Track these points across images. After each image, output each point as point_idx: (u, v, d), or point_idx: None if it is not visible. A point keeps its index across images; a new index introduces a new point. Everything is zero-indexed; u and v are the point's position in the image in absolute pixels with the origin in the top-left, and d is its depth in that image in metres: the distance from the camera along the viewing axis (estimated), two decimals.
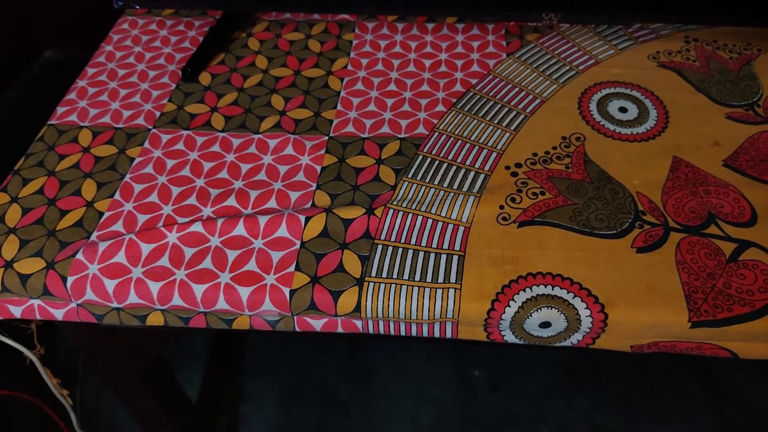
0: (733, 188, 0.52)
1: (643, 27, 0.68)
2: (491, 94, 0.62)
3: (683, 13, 0.66)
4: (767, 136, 0.57)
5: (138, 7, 0.73)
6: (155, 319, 0.49)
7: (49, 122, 0.61)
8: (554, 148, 0.56)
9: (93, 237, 0.51)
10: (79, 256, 0.49)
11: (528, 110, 0.60)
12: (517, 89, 0.62)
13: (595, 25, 0.69)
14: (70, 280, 0.48)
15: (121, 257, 0.49)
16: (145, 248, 0.49)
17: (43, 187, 0.55)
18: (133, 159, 0.57)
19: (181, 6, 0.73)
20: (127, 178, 0.55)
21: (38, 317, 0.51)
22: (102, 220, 0.52)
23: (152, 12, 0.75)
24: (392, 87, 0.63)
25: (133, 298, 0.48)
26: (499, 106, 0.60)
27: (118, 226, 0.51)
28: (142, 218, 0.52)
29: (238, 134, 0.59)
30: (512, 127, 0.58)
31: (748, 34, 0.67)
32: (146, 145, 0.58)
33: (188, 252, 0.49)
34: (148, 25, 0.73)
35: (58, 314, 0.50)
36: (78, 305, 0.49)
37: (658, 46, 0.66)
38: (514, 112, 0.60)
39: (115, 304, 0.49)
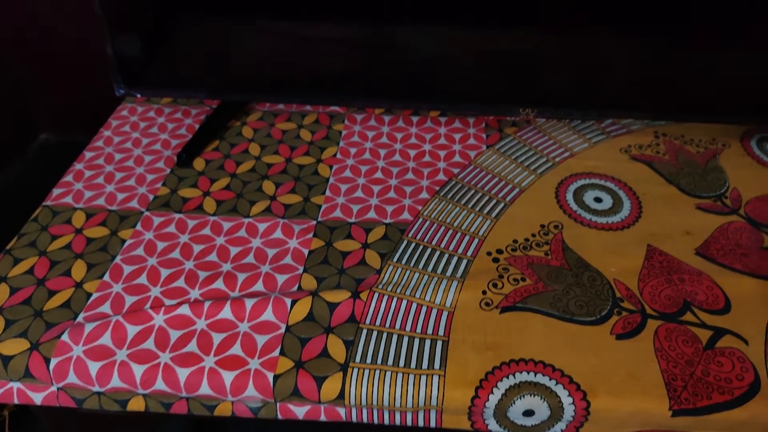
0: (706, 276, 0.54)
1: (615, 122, 0.73)
2: (473, 183, 0.65)
3: (651, 110, 0.70)
4: (735, 226, 0.59)
5: (138, 96, 0.77)
6: (136, 405, 0.49)
7: (44, 203, 0.63)
8: (533, 235, 0.58)
9: (80, 318, 0.51)
10: (65, 337, 0.49)
11: (508, 199, 0.63)
12: (497, 179, 0.65)
13: (569, 120, 0.73)
14: (53, 362, 0.48)
15: (106, 339, 0.49)
16: (131, 330, 0.49)
17: (33, 268, 0.56)
18: (124, 241, 0.58)
19: (180, 95, 0.77)
20: (117, 260, 0.56)
21: (16, 401, 0.50)
22: (90, 301, 0.52)
23: (151, 100, 0.78)
24: (379, 175, 0.66)
25: (115, 381, 0.47)
26: (480, 194, 0.63)
27: (106, 308, 0.52)
28: (129, 300, 0.52)
29: (229, 218, 0.61)
30: (493, 215, 0.61)
31: (713, 129, 0.72)
32: (138, 227, 0.60)
33: (174, 334, 0.49)
34: (146, 112, 0.76)
35: (37, 398, 0.49)
36: (59, 389, 0.49)
37: (629, 140, 0.70)
38: (495, 201, 0.62)
39: (96, 388, 0.48)
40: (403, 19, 0.67)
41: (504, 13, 0.66)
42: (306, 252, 0.57)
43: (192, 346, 0.49)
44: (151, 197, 0.64)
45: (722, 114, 0.70)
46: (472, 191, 0.64)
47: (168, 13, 0.70)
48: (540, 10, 0.65)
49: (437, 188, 0.64)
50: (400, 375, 0.47)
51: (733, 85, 0.68)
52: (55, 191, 0.64)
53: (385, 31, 0.68)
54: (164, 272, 0.55)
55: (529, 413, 0.47)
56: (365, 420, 0.48)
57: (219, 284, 0.54)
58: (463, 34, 0.68)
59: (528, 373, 0.47)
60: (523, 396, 0.46)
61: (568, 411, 0.46)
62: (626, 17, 0.65)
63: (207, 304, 0.51)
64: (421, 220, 0.60)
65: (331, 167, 0.67)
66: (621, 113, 0.72)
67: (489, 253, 0.57)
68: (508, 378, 0.47)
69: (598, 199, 0.62)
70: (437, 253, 0.57)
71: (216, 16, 0.69)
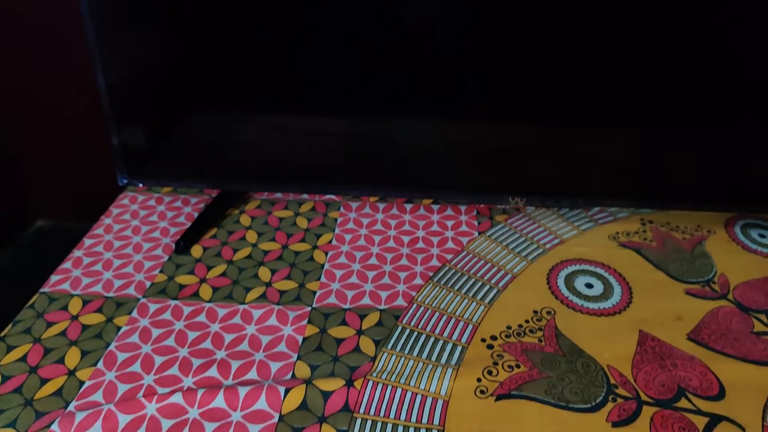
0: (698, 362, 0.54)
1: (602, 210, 0.75)
2: (466, 269, 0.66)
3: (637, 199, 0.73)
4: (725, 311, 0.60)
5: (140, 185, 0.79)
6: None
7: (41, 290, 0.63)
8: (527, 321, 0.59)
9: (71, 407, 0.50)
10: (54, 426, 0.48)
11: (500, 285, 0.64)
12: (489, 265, 0.66)
13: (558, 208, 0.76)
14: None
15: (97, 429, 0.48)
16: (123, 419, 0.49)
17: (27, 355, 0.55)
18: (119, 328, 0.59)
19: (180, 185, 0.79)
20: (111, 347, 0.56)
21: None
22: (82, 389, 0.52)
23: (152, 189, 0.81)
24: (373, 261, 0.68)
25: None
26: (473, 280, 0.64)
27: (98, 396, 0.51)
28: (122, 387, 0.52)
29: (225, 305, 0.62)
30: (486, 301, 0.62)
31: (698, 217, 0.74)
32: (134, 314, 0.60)
33: (166, 424, 0.49)
34: (147, 200, 0.79)
35: None
36: None
37: (617, 227, 0.72)
38: (488, 287, 0.63)
39: None
40: (396, 113, 0.71)
41: (492, 107, 0.70)
42: (300, 339, 0.57)
43: None
44: (148, 284, 0.64)
45: (706, 202, 0.72)
46: (465, 277, 0.65)
47: (170, 106, 0.74)
48: (527, 106, 0.69)
49: (431, 274, 0.65)
50: None
51: (715, 174, 0.71)
52: (53, 278, 0.65)
53: (379, 124, 0.72)
54: (158, 360, 0.55)
55: None
56: None
57: (213, 372, 0.54)
58: (453, 126, 0.71)
59: None
60: None
61: None
62: (610, 111, 0.69)
63: (200, 392, 0.51)
64: (415, 305, 0.61)
65: (326, 253, 0.69)
66: (607, 201, 0.75)
67: (483, 340, 0.57)
68: None
69: (589, 285, 0.63)
70: (431, 339, 0.57)
71: (216, 110, 0.73)
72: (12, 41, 1.04)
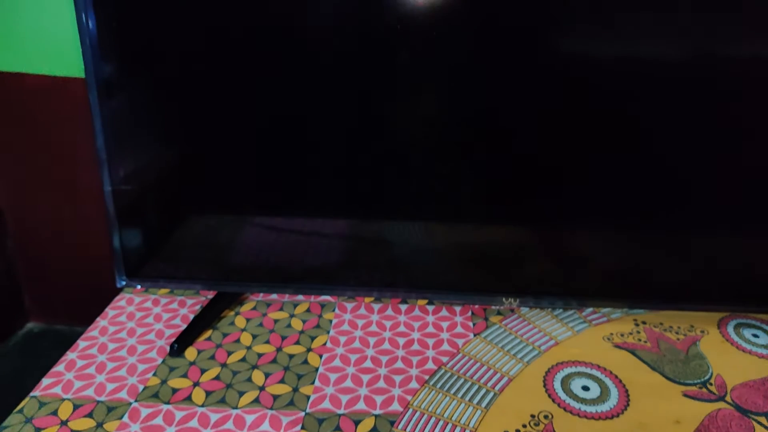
0: None
1: (595, 311, 0.76)
2: (462, 371, 0.66)
3: (629, 299, 0.74)
4: (724, 414, 0.59)
5: (138, 287, 0.80)
6: None
7: (31, 394, 0.62)
8: (524, 426, 0.58)
9: None
10: None
11: (497, 388, 0.63)
12: (485, 367, 0.66)
13: (552, 309, 0.76)
14: None
15: None
16: None
17: None
18: None
19: (177, 286, 0.80)
20: None
21: None
22: None
23: (149, 290, 0.81)
24: (368, 364, 0.67)
25: None
26: (470, 383, 0.64)
27: None
28: None
29: (217, 409, 0.61)
30: (483, 405, 0.61)
31: (690, 317, 0.75)
32: (125, 419, 0.59)
33: None
34: (143, 302, 0.79)
35: None
36: None
37: (611, 329, 0.73)
38: (484, 390, 0.63)
39: None
40: (391, 215, 0.73)
41: (486, 210, 0.73)
42: None
43: None
44: (140, 387, 0.64)
45: (698, 301, 0.73)
46: (462, 380, 0.64)
47: (170, 210, 0.76)
48: (519, 208, 0.72)
49: (427, 377, 0.65)
50: None
51: (707, 274, 0.73)
52: (45, 381, 0.64)
53: (374, 226, 0.74)
54: None
55: None
56: None
57: None
58: (447, 228, 0.74)
59: None
60: None
61: None
62: (601, 213, 0.71)
63: None
64: (411, 411, 0.60)
65: (320, 356, 0.69)
66: (600, 302, 0.75)
67: None
68: None
69: (585, 388, 0.63)
70: None
71: (215, 213, 0.76)
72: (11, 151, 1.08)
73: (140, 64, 0.68)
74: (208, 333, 0.73)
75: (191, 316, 0.75)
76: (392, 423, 0.59)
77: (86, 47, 0.65)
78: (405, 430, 0.58)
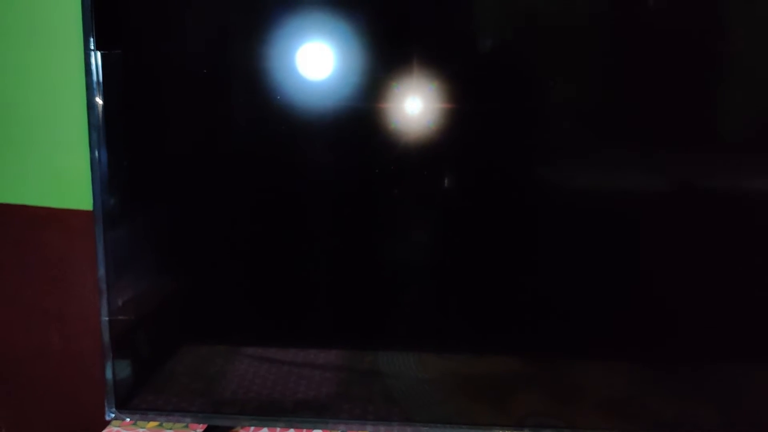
0: None
1: None
2: None
3: (630, 430, 0.73)
4: None
5: (127, 420, 0.78)
6: None
7: None
8: None
9: None
10: None
11: None
12: None
13: None
14: None
15: None
16: None
17: None
18: None
19: (167, 419, 0.78)
20: None
21: None
22: None
23: (137, 424, 0.79)
24: None
25: None
26: None
27: None
28: None
29: None
30: None
31: None
32: None
33: None
34: None
35: None
36: None
37: None
38: None
39: None
40: (384, 345, 0.73)
41: (481, 341, 0.73)
42: None
43: None
44: None
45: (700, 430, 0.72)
46: None
47: (162, 341, 0.76)
48: (516, 338, 0.72)
49: None
50: None
51: (712, 405, 0.72)
52: None
53: (367, 357, 0.74)
54: None
55: None
56: None
57: None
58: (442, 359, 0.74)
59: None
60: None
61: None
62: (600, 344, 0.72)
63: None
64: None
65: None
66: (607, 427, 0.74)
67: None
68: None
69: None
70: None
71: (206, 344, 0.76)
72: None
73: (144, 200, 0.72)
74: None
75: None
76: None
77: (96, 183, 0.69)
78: None
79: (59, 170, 0.99)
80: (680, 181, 0.66)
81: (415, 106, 0.64)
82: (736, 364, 0.71)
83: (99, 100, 0.67)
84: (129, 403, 0.74)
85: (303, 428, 0.78)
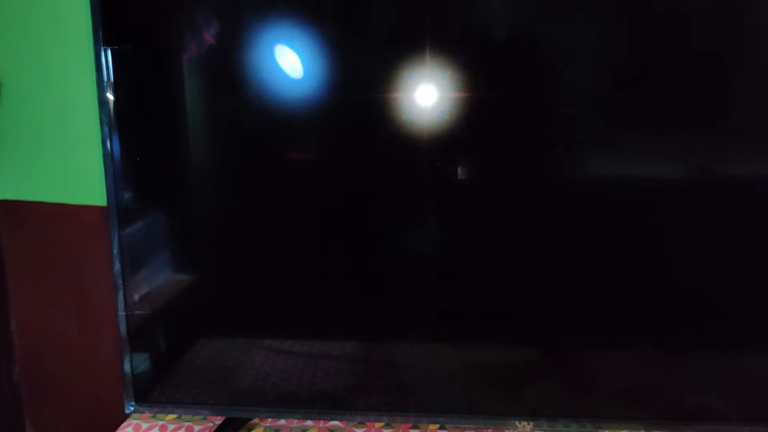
0: None
1: None
2: None
3: (646, 420, 0.72)
4: None
5: (147, 412, 0.79)
6: None
7: None
8: None
9: None
10: None
11: None
12: None
13: None
14: None
15: None
16: None
17: None
18: None
19: (186, 412, 0.79)
20: None
21: None
22: None
23: (156, 417, 0.80)
24: None
25: None
26: None
27: None
28: None
29: None
30: None
31: None
32: None
33: None
34: (150, 429, 0.78)
35: None
36: None
37: None
38: None
39: None
40: (400, 337, 0.73)
41: (496, 331, 0.73)
42: None
43: None
44: None
45: (718, 422, 0.71)
46: None
47: (180, 334, 0.77)
48: (531, 329, 0.72)
49: None
50: None
51: (726, 393, 0.71)
52: None
53: (383, 348, 0.74)
54: None
55: None
56: None
57: None
58: (457, 350, 0.74)
59: None
60: None
61: None
62: (616, 332, 0.71)
63: None
64: None
65: None
66: (616, 424, 0.73)
67: None
68: None
69: None
70: None
71: (223, 336, 0.76)
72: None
73: (157, 195, 0.72)
74: None
75: None
76: None
77: (110, 179, 0.69)
78: None
79: (73, 167, 0.99)
80: (699, 168, 0.65)
81: (428, 95, 0.64)
82: (756, 354, 0.71)
83: (110, 96, 0.67)
84: (148, 397, 0.75)
85: (320, 420, 0.78)
